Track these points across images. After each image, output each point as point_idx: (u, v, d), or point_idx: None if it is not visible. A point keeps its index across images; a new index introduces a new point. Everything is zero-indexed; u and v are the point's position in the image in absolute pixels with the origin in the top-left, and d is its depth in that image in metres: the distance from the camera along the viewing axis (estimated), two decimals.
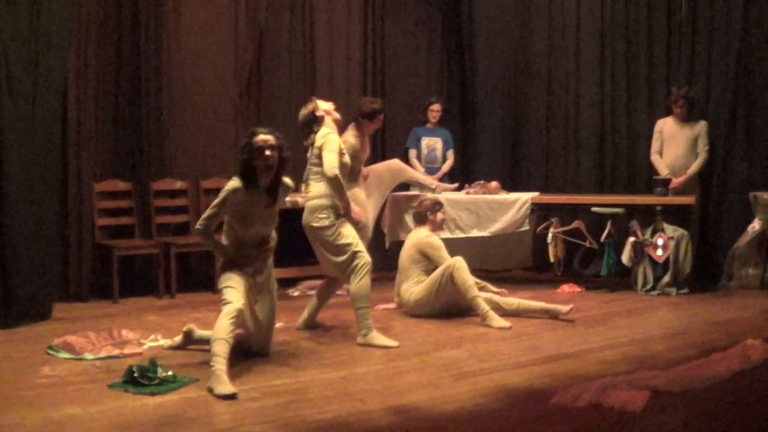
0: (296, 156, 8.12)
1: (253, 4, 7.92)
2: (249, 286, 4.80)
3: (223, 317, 4.51)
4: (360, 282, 5.41)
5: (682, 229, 7.19)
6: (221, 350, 4.37)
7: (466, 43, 9.42)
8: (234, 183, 4.76)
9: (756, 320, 6.13)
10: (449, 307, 6.23)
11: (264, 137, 4.76)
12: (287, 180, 4.98)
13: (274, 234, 5.03)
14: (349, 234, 5.50)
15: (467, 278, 6.06)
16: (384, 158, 8.10)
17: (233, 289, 4.66)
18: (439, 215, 6.54)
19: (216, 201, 4.79)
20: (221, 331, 4.45)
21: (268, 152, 4.74)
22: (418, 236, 6.47)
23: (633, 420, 3.86)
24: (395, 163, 7.57)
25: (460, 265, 6.10)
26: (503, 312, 6.07)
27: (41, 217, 6.07)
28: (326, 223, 5.48)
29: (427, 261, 6.34)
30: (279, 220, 5.06)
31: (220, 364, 4.31)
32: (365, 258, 5.46)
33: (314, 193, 5.55)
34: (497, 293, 6.38)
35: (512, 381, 4.51)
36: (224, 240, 4.93)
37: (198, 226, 4.84)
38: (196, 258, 7.61)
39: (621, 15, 8.37)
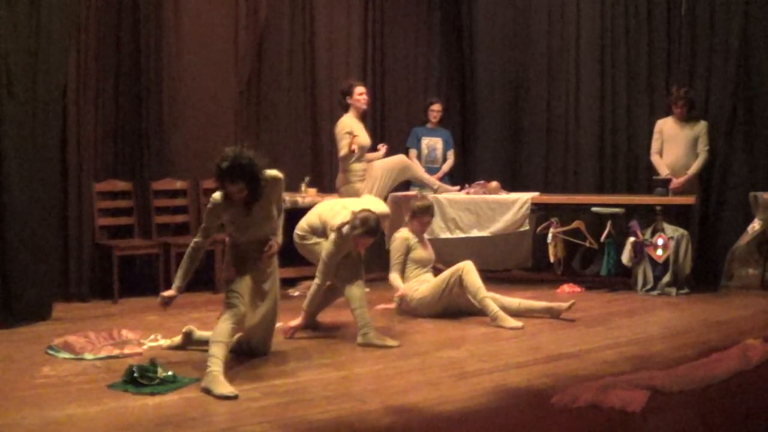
0: (297, 155, 8.22)
1: (253, 4, 7.92)
2: (254, 291, 4.80)
3: (225, 321, 4.52)
4: (352, 286, 5.45)
5: (682, 229, 7.19)
6: (219, 352, 4.37)
7: (466, 43, 9.42)
8: (215, 197, 4.73)
9: (756, 320, 6.12)
10: (451, 308, 6.24)
11: (229, 188, 4.58)
12: (271, 173, 4.76)
13: (279, 236, 5.00)
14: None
15: (476, 280, 6.09)
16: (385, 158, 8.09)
17: (239, 294, 4.66)
18: (416, 223, 6.48)
19: (204, 216, 4.82)
20: (221, 334, 4.45)
21: (235, 191, 4.62)
22: None
23: (633, 420, 3.86)
24: (401, 160, 7.52)
25: (469, 268, 6.13)
26: (505, 312, 6.07)
27: (41, 217, 6.07)
28: (300, 242, 5.81)
29: (411, 260, 6.39)
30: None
31: (216, 366, 4.31)
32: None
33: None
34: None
35: (512, 381, 4.51)
36: (228, 247, 4.96)
37: (195, 239, 4.79)
38: None
39: (621, 14, 8.37)
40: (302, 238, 5.78)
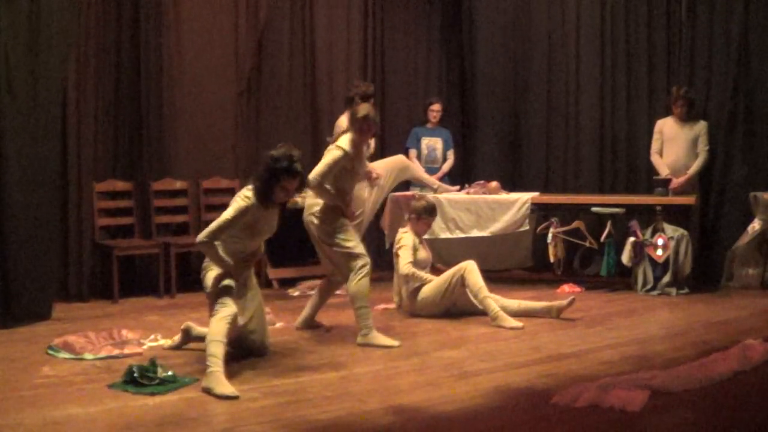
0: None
1: (253, 4, 7.92)
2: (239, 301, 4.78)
3: (219, 320, 4.51)
4: (359, 282, 5.42)
5: (682, 229, 7.18)
6: (217, 351, 4.37)
7: (466, 43, 9.42)
8: (249, 200, 4.64)
9: (756, 320, 6.12)
10: (453, 307, 6.24)
11: (287, 185, 4.65)
12: None
13: (263, 245, 5.04)
14: (349, 236, 5.51)
15: (478, 280, 6.08)
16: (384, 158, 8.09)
17: (228, 297, 4.64)
18: (422, 224, 6.42)
19: (228, 216, 4.61)
20: (217, 333, 4.45)
21: (292, 188, 4.70)
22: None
23: (633, 420, 3.86)
24: (400, 160, 7.51)
25: (471, 267, 6.13)
26: (505, 312, 6.06)
27: (41, 217, 6.07)
28: (317, 222, 5.52)
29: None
30: (279, 221, 5.05)
31: (216, 365, 4.31)
32: (365, 259, 5.48)
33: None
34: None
35: (512, 381, 4.51)
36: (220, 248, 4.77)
37: (203, 237, 4.61)
38: (196, 258, 7.59)
39: (621, 15, 8.36)
40: (316, 216, 5.59)
